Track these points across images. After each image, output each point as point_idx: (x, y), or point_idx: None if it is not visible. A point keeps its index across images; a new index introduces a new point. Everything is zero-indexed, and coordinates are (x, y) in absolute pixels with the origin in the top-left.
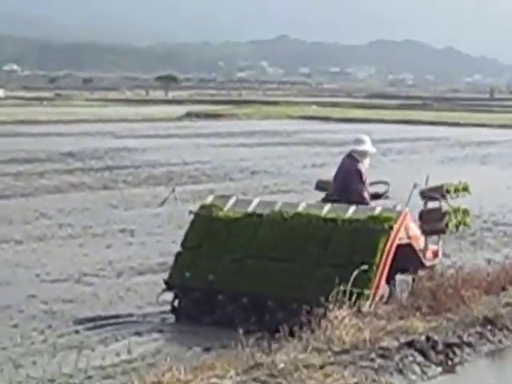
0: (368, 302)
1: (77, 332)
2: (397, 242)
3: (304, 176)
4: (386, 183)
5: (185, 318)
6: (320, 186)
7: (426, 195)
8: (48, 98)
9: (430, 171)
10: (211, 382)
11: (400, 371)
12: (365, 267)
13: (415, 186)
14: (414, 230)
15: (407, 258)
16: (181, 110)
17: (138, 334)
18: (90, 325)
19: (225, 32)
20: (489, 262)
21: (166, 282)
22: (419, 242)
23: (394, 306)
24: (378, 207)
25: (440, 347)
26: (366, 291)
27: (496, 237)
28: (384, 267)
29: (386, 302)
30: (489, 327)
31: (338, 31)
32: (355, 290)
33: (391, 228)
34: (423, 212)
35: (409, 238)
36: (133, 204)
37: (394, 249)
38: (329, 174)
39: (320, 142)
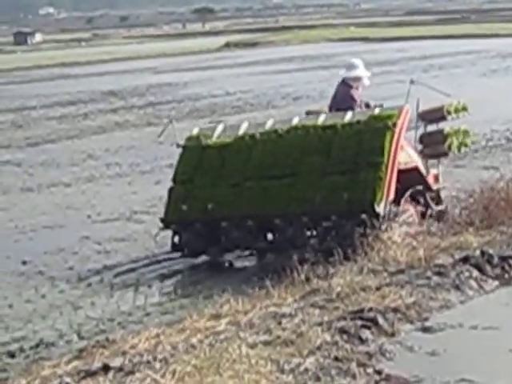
0: (382, 204)
1: (132, 270)
2: (401, 141)
3: None
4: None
5: (189, 252)
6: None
7: (426, 118)
8: (86, 39)
9: (473, 84)
10: (270, 310)
11: (457, 287)
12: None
13: (412, 81)
14: (413, 155)
15: (415, 182)
16: (219, 40)
17: (193, 268)
18: (145, 262)
19: None
20: None
21: (162, 220)
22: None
23: (447, 223)
24: (376, 109)
25: (495, 261)
26: (379, 192)
27: None
28: (393, 167)
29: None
30: None
31: None
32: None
33: (395, 125)
34: (424, 135)
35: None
36: (178, 138)
37: (399, 147)
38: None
39: None
